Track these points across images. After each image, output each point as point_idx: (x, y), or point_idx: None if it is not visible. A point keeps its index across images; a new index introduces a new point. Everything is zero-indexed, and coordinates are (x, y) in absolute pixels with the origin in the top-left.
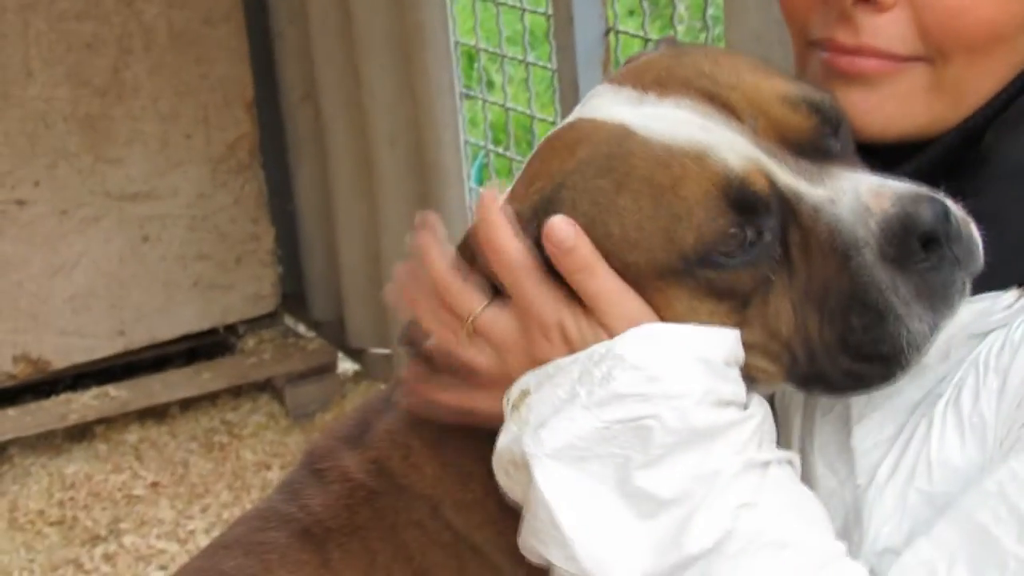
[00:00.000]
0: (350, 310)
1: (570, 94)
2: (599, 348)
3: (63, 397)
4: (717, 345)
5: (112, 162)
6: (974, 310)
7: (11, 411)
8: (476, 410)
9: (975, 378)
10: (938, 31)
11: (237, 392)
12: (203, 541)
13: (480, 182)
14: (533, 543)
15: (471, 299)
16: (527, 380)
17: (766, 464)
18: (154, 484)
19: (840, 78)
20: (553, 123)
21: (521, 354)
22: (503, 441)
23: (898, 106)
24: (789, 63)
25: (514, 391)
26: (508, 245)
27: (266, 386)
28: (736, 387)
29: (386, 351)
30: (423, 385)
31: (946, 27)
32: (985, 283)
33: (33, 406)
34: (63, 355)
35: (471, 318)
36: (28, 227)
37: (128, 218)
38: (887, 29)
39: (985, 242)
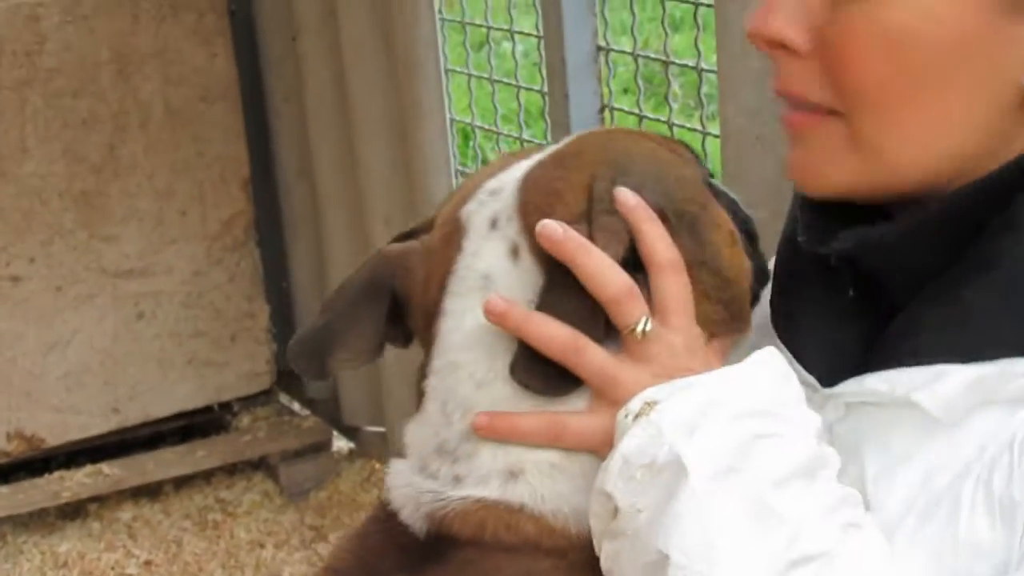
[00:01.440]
0: (345, 388)
1: None
2: (735, 369)
3: (57, 475)
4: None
5: (107, 239)
6: (988, 373)
7: (4, 489)
8: (568, 430)
9: (1008, 459)
10: (834, 82)
11: (232, 470)
12: None
13: None
14: (656, 537)
15: (639, 305)
16: (653, 393)
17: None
18: (148, 563)
19: (788, 137)
20: None
21: (678, 367)
22: (629, 446)
23: (821, 161)
24: (784, 138)
25: (635, 403)
26: (670, 253)
27: (261, 464)
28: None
29: (381, 429)
30: (503, 413)
31: (837, 79)
32: (1001, 346)
33: (26, 484)
34: (57, 432)
35: (641, 324)
36: (23, 304)
37: (123, 295)
38: (800, 75)
39: (1003, 306)
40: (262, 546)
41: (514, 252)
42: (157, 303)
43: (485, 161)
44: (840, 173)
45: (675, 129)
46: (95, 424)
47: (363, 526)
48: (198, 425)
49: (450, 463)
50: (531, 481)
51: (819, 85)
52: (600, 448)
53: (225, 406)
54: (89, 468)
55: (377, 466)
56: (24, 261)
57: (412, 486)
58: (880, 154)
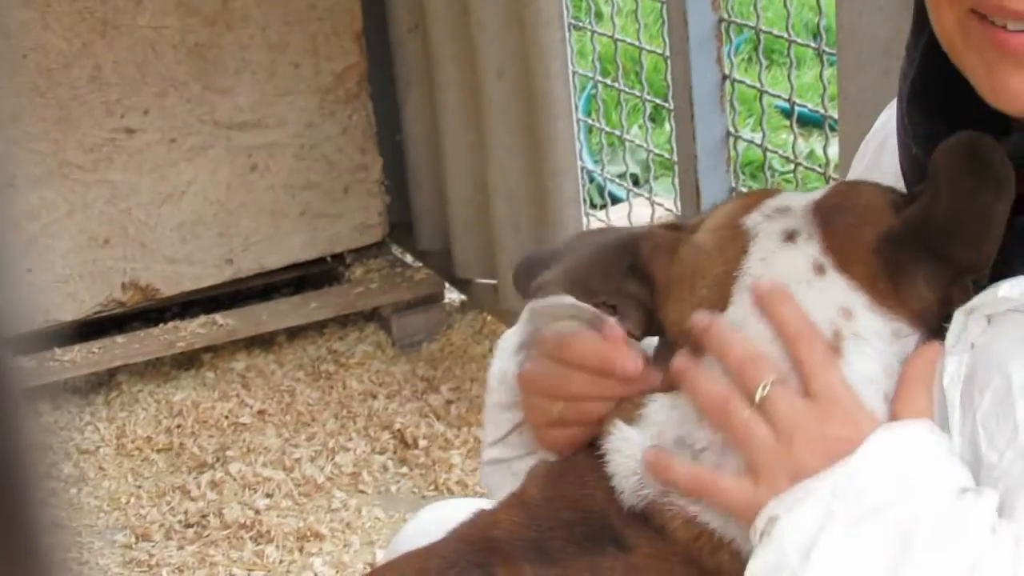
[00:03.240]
0: (457, 240)
1: (679, 25)
2: (845, 465)
3: (171, 325)
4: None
5: (221, 91)
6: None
7: (120, 338)
8: (716, 488)
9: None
10: None
11: (344, 321)
12: (309, 469)
13: (588, 113)
14: None
15: (766, 367)
16: (774, 507)
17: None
18: (261, 412)
19: (1008, 59)
20: (661, 55)
21: (812, 438)
22: (758, 567)
23: None
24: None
25: (761, 520)
26: (802, 322)
27: (373, 316)
28: (964, 469)
29: (492, 281)
30: (666, 453)
31: None
32: None
33: (142, 333)
34: (172, 283)
35: (765, 385)
36: (137, 155)
37: (236, 147)
38: None
39: None
40: (374, 397)
41: (819, 269)
42: (270, 155)
43: (598, 15)
44: None
45: None
46: (209, 275)
47: (522, 494)
48: (311, 276)
49: (689, 459)
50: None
51: None
52: (739, 519)
53: (338, 257)
54: (203, 318)
55: (488, 318)
56: (138, 113)
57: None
58: None
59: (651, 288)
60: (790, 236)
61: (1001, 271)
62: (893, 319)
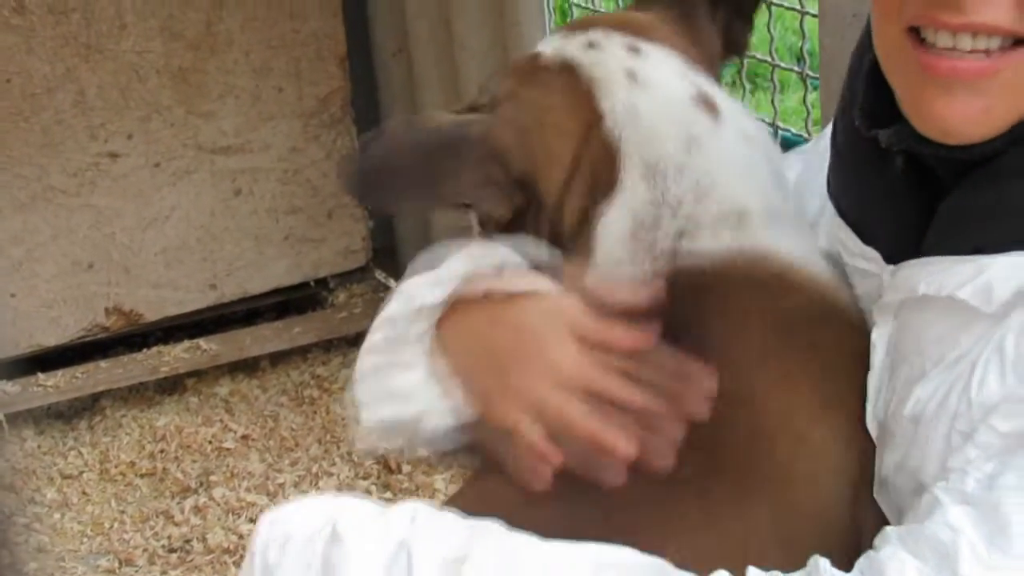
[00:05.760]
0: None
1: None
2: None
3: (155, 350)
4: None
5: (204, 115)
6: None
7: (103, 363)
8: None
9: (1020, 320)
10: None
11: (327, 346)
12: (292, 494)
13: None
14: None
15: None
16: None
17: None
18: (244, 437)
19: (937, 82)
20: None
21: None
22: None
23: (998, 104)
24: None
25: None
26: None
27: (357, 340)
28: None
29: None
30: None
31: None
32: None
33: (125, 358)
34: (155, 308)
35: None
36: (121, 180)
37: (220, 171)
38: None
39: None
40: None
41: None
42: (254, 179)
43: None
44: (1010, 114)
45: (773, 9)
46: (192, 300)
47: None
48: (294, 301)
49: None
50: None
51: (1014, 12)
52: None
53: (321, 282)
54: (187, 343)
55: None
56: (122, 138)
57: None
58: None
59: (506, 165)
60: (592, 44)
61: (924, 254)
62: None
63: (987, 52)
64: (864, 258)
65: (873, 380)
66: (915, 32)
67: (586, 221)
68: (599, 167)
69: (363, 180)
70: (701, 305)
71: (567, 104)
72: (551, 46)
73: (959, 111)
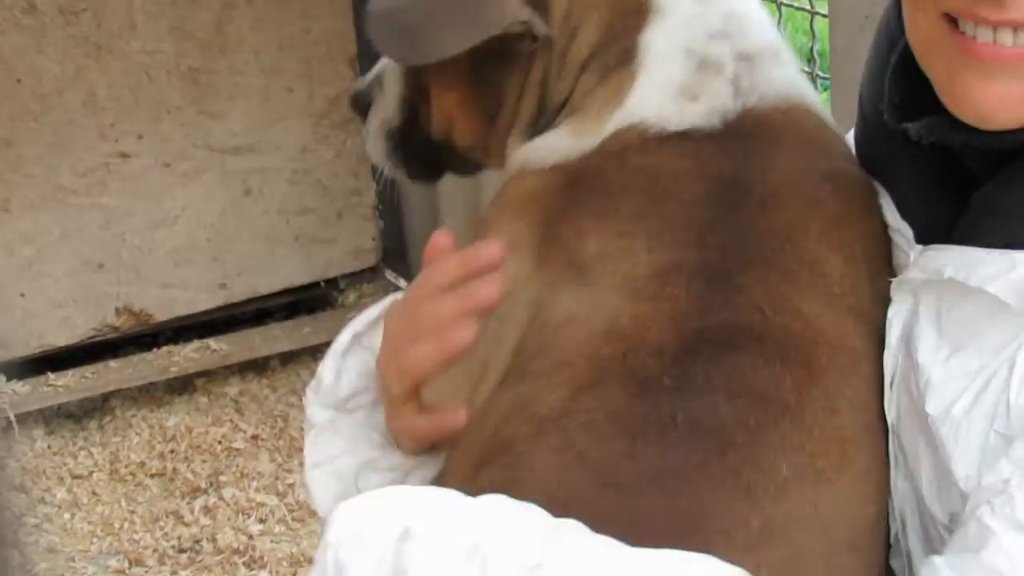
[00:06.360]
0: None
1: None
2: None
3: (164, 350)
4: None
5: (215, 116)
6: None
7: (113, 363)
8: None
9: None
10: None
11: None
12: (302, 495)
13: None
14: None
15: None
16: None
17: None
18: (254, 437)
19: (972, 67)
20: None
21: None
22: None
23: None
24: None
25: None
26: None
27: None
28: None
29: None
30: None
31: None
32: None
33: (135, 358)
34: (165, 308)
35: None
36: (131, 180)
37: (230, 171)
38: None
39: None
40: None
41: None
42: (264, 180)
43: None
44: None
45: (783, 8)
46: (202, 300)
47: None
48: (304, 301)
49: None
50: None
51: None
52: None
53: (331, 282)
54: (196, 343)
55: None
56: (132, 138)
57: None
58: None
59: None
60: None
61: (954, 242)
62: None
63: None
64: (900, 233)
65: (889, 359)
66: (950, 18)
67: (597, 58)
68: None
69: (390, 21)
70: (760, 166)
71: None
72: None
73: (997, 95)
